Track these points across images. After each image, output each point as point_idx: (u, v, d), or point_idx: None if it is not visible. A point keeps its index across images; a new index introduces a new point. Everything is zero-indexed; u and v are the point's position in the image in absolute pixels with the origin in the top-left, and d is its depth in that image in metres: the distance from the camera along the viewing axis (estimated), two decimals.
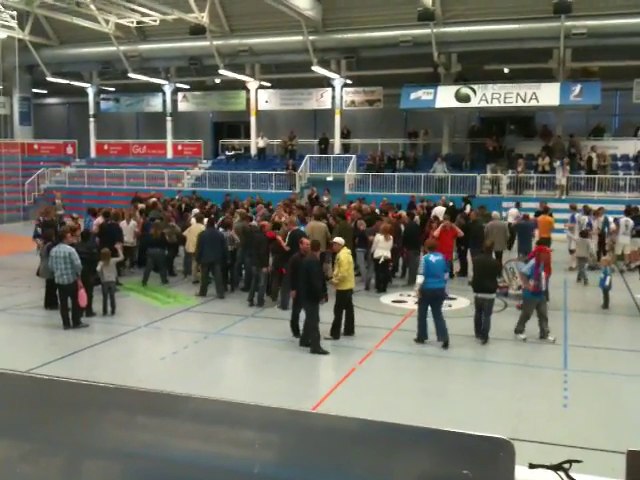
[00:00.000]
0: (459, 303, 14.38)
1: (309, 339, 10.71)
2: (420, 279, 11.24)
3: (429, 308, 11.23)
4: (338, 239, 12.56)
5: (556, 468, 1.70)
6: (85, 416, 1.98)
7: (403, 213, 17.66)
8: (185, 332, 12.23)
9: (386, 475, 1.71)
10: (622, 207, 19.97)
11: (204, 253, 14.80)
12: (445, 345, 10.97)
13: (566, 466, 1.70)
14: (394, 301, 14.60)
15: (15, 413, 2.05)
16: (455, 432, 1.66)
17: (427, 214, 18.94)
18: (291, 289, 11.59)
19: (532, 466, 1.72)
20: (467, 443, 1.66)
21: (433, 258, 11.41)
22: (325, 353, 10.56)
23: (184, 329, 12.45)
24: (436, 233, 14.33)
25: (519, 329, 11.51)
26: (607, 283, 13.29)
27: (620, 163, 26.97)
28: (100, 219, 16.66)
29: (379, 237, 15.04)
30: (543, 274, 11.45)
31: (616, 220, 18.10)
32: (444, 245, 12.78)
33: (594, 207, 19.41)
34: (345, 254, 11.64)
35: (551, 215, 18.83)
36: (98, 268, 13.11)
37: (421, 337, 11.27)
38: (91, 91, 36.65)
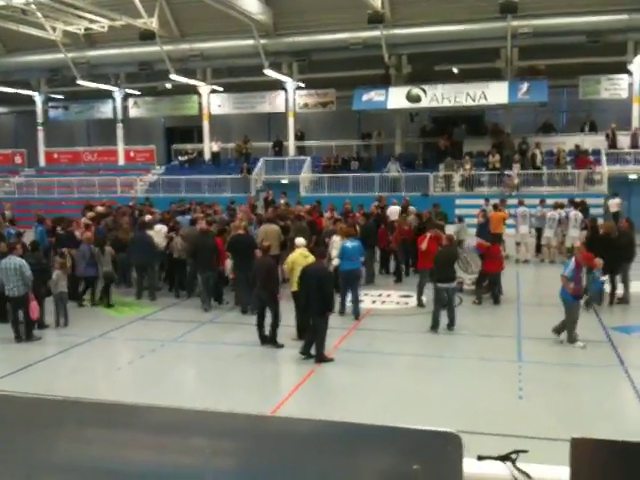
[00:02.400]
0: (415, 300, 14.51)
1: (309, 349, 10.36)
2: (336, 261, 13.17)
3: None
4: (299, 240, 12.63)
5: (504, 459, 1.74)
6: (38, 432, 1.94)
7: (357, 214, 17.76)
8: (141, 341, 12.08)
9: (339, 475, 1.72)
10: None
11: (133, 256, 15.10)
12: (356, 317, 12.79)
13: (513, 456, 1.73)
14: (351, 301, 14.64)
15: None
16: (404, 428, 1.68)
17: (382, 214, 19.05)
18: (259, 290, 11.34)
19: (480, 458, 1.75)
20: (416, 438, 1.68)
21: (350, 244, 13.34)
22: (331, 360, 10.32)
23: (140, 338, 12.29)
24: (424, 246, 13.87)
25: (573, 338, 10.90)
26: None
27: (569, 158, 27.57)
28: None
29: (335, 238, 15.08)
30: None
31: (566, 214, 18.55)
32: (432, 253, 12.75)
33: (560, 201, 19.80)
34: (297, 255, 11.65)
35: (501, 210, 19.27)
36: (54, 277, 12.85)
37: (341, 311, 12.96)
38: (39, 99, 35.91)
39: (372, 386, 9.33)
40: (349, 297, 13.25)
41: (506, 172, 25.50)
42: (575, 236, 17.63)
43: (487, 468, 1.74)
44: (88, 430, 1.94)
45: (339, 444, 1.74)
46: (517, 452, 1.75)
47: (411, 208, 19.38)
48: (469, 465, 1.69)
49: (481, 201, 21.04)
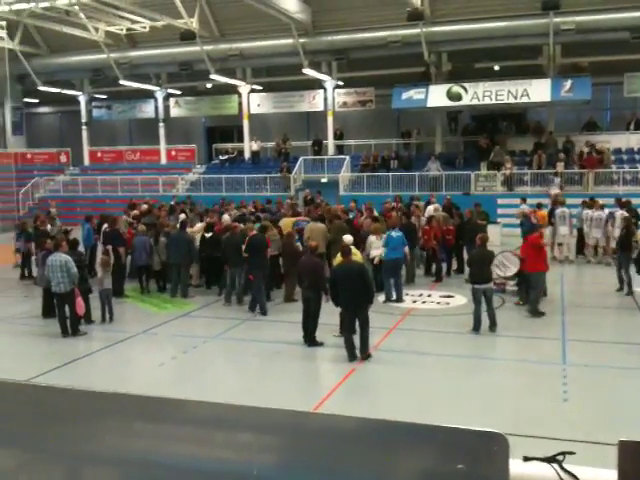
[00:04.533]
0: (457, 300, 14.43)
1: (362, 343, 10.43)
2: (381, 250, 13.65)
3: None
4: (347, 238, 12.71)
5: (550, 460, 1.73)
6: (84, 423, 1.99)
7: (393, 214, 17.67)
8: (183, 337, 12.22)
9: (383, 473, 1.73)
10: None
11: (170, 255, 15.26)
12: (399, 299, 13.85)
13: (560, 458, 1.72)
14: (392, 300, 14.61)
15: (14, 422, 2.06)
16: (450, 427, 1.69)
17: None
18: (305, 289, 11.35)
19: (526, 459, 1.74)
20: (462, 438, 1.68)
21: (394, 234, 14.11)
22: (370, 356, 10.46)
23: (182, 334, 12.43)
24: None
25: None
26: None
27: (613, 157, 27.03)
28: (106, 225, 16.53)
29: (371, 238, 15.09)
30: None
31: (612, 213, 18.19)
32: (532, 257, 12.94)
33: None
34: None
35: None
36: (99, 275, 13.14)
37: (389, 297, 13.96)
38: (83, 99, 36.61)
39: (413, 385, 9.30)
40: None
41: (550, 189, 24.67)
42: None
43: (533, 469, 1.73)
44: (134, 423, 1.99)
45: (382, 442, 1.74)
46: (564, 454, 1.74)
47: (436, 205, 19.18)
48: (515, 466, 1.68)
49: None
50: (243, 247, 13.79)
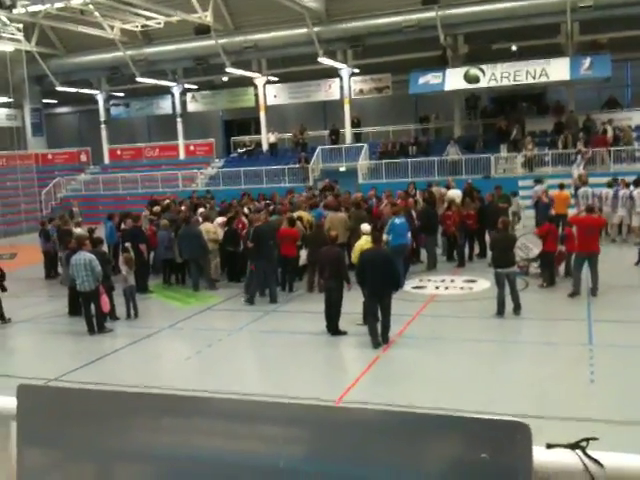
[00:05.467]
0: (480, 285, 14.35)
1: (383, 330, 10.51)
2: (385, 237, 13.10)
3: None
4: (364, 227, 12.74)
5: (573, 447, 1.72)
6: (112, 423, 2.03)
7: (411, 200, 17.59)
8: (208, 331, 12.32)
9: (407, 464, 1.74)
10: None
11: (183, 250, 15.40)
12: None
13: (583, 444, 1.71)
14: (414, 287, 14.59)
15: (44, 423, 2.11)
16: (472, 418, 1.69)
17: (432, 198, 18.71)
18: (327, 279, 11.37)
19: (549, 446, 1.73)
20: (484, 427, 1.69)
21: (397, 220, 14.14)
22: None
23: (207, 328, 12.53)
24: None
25: None
26: None
27: (635, 134, 26.62)
28: (129, 222, 16.64)
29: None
30: None
31: (630, 192, 17.98)
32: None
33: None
34: (364, 242, 11.69)
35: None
36: (123, 272, 13.27)
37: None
38: (101, 98, 36.87)
39: (438, 372, 9.28)
40: None
41: (573, 170, 24.36)
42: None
43: (557, 456, 1.72)
44: (162, 420, 2.01)
45: (406, 433, 1.76)
46: (587, 440, 1.72)
47: (451, 191, 18.98)
48: (538, 453, 1.68)
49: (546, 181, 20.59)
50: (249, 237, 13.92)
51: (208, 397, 1.98)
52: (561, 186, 18.96)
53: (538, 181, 20.52)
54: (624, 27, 25.77)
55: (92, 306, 12.25)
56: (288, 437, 1.90)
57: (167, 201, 21.08)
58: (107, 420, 2.04)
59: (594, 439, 1.71)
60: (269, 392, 8.65)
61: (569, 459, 1.70)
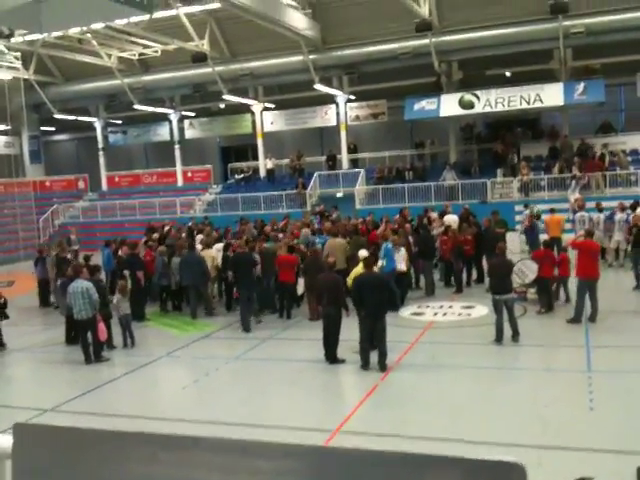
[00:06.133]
0: (478, 311, 14.33)
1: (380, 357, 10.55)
2: (380, 262, 13.84)
3: None
4: (362, 252, 12.81)
5: None
6: (108, 462, 2.01)
7: (407, 225, 17.64)
8: (205, 359, 12.26)
9: None
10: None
11: (183, 276, 15.43)
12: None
13: None
14: (412, 314, 14.57)
15: (40, 462, 2.09)
16: (467, 459, 1.68)
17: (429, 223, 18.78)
18: (326, 306, 11.38)
19: None
20: (479, 468, 1.67)
21: (390, 245, 14.72)
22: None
23: (204, 356, 12.47)
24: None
25: None
26: None
27: (630, 158, 26.79)
28: (125, 249, 16.66)
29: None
30: None
31: (627, 216, 18.04)
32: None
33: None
34: (360, 268, 11.71)
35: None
36: (114, 301, 13.21)
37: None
38: (98, 125, 37.10)
39: (437, 399, 9.22)
40: None
41: (568, 192, 24.48)
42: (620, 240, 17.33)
43: None
44: (158, 460, 1.99)
45: (400, 475, 1.74)
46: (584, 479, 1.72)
47: (448, 216, 18.98)
48: None
49: (540, 206, 20.65)
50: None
51: (204, 437, 1.96)
52: (552, 210, 19.09)
53: (526, 205, 20.69)
54: (617, 52, 26.09)
55: (89, 335, 12.19)
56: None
57: (167, 227, 21.09)
58: (103, 460, 2.03)
59: (590, 479, 1.70)
60: (267, 422, 8.59)
61: None
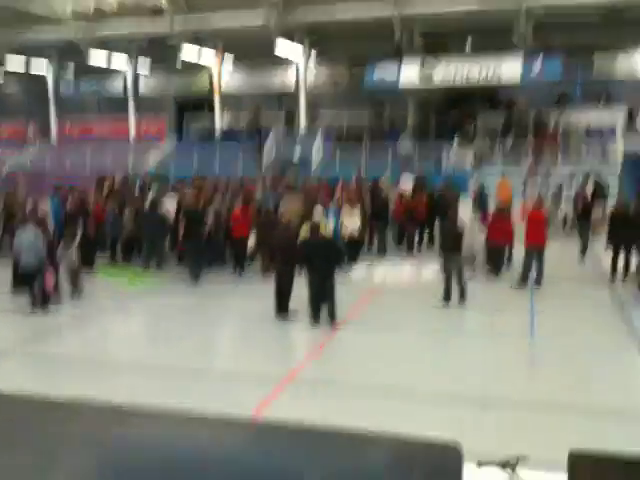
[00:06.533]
0: (428, 272, 14.49)
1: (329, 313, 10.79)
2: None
3: None
4: (318, 210, 12.95)
5: (504, 465, 1.75)
6: (41, 432, 1.89)
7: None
8: (154, 311, 12.23)
9: None
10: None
11: (147, 230, 15.44)
12: None
13: (513, 462, 1.75)
14: (363, 274, 14.73)
15: None
16: (402, 438, 1.67)
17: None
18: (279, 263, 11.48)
19: (480, 464, 1.76)
20: (415, 448, 1.66)
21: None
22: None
23: (153, 308, 12.43)
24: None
25: None
26: None
27: (584, 132, 27.29)
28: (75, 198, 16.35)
29: (345, 208, 15.27)
30: None
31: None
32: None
33: None
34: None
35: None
36: (59, 250, 12.89)
37: None
38: (50, 74, 35.92)
39: (384, 357, 9.32)
40: None
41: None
42: None
43: (487, 475, 1.74)
44: (90, 432, 1.90)
45: (334, 452, 1.70)
46: (517, 458, 1.77)
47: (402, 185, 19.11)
48: (469, 472, 1.67)
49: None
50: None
51: (146, 408, 1.91)
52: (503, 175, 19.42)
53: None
54: (576, 31, 26.41)
55: (36, 284, 11.96)
56: (211, 452, 1.77)
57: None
58: (41, 430, 1.90)
59: (524, 457, 1.75)
60: (217, 368, 8.68)
61: (499, 478, 1.73)
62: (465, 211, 17.63)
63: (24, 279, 12.30)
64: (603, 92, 28.60)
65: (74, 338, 10.79)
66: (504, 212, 14.62)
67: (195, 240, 14.26)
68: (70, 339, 10.75)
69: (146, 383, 8.18)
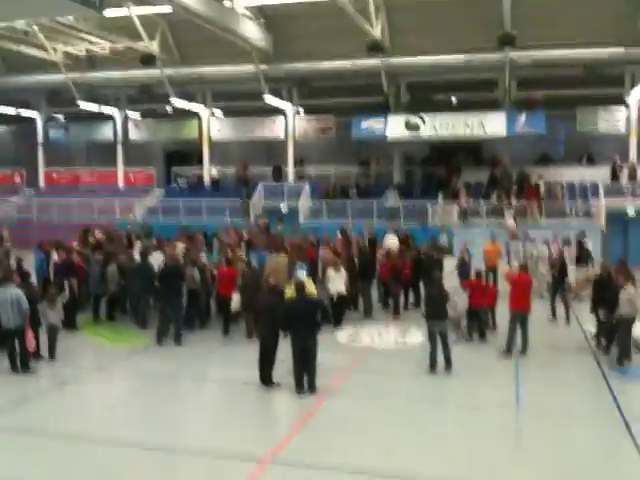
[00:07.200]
0: (414, 336, 14.47)
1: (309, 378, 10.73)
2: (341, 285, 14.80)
3: None
4: (301, 274, 12.93)
5: None
6: None
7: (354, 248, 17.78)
8: (136, 375, 12.03)
9: None
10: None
11: (135, 285, 15.44)
12: None
13: None
14: (349, 337, 14.62)
15: None
16: None
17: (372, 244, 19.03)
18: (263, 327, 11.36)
19: None
20: None
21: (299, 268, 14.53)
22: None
23: (135, 372, 12.23)
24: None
25: None
26: None
27: (566, 190, 27.63)
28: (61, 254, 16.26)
29: (330, 272, 15.20)
30: None
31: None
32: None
33: None
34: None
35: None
36: (41, 309, 12.72)
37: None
38: (39, 119, 36.07)
39: (369, 430, 9.20)
40: None
41: (504, 220, 25.10)
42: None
43: None
44: None
45: None
46: None
47: (389, 240, 19.13)
48: None
49: (478, 231, 21.02)
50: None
51: None
52: (493, 240, 19.36)
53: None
54: (559, 86, 27.09)
55: (17, 344, 11.78)
56: None
57: (97, 234, 20.30)
58: None
59: None
60: (195, 446, 8.50)
61: None
62: (450, 270, 17.78)
63: (5, 339, 12.11)
64: (585, 148, 29.15)
65: (47, 407, 10.49)
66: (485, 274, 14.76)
67: (170, 298, 14.02)
68: (43, 408, 10.46)
69: (116, 462, 8.03)
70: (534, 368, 12.28)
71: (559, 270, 16.12)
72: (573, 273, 17.34)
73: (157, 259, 16.19)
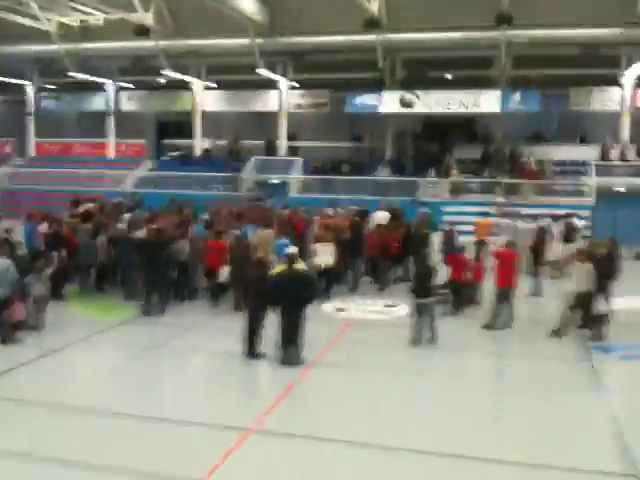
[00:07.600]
0: (400, 310, 14.60)
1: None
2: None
3: None
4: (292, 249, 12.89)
5: None
6: None
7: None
8: (124, 346, 12.12)
9: None
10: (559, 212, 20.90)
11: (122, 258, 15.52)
12: None
13: None
14: (336, 309, 14.76)
15: None
16: None
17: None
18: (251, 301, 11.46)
19: None
20: None
21: (281, 242, 14.45)
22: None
23: (123, 343, 12.32)
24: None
25: None
26: None
27: (558, 168, 27.76)
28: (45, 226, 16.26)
29: (317, 245, 15.31)
30: None
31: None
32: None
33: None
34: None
35: None
36: (27, 280, 12.74)
37: None
38: (31, 89, 35.78)
39: (353, 400, 9.32)
40: None
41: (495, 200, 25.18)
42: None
43: None
44: None
45: None
46: None
47: (379, 214, 19.13)
48: None
49: (469, 208, 21.13)
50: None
51: None
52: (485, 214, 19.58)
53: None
54: (554, 65, 27.04)
55: (4, 313, 11.83)
56: None
57: (90, 205, 20.26)
58: None
59: None
60: (179, 416, 8.61)
61: None
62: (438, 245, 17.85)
63: None
64: (579, 128, 29.20)
65: (30, 378, 10.55)
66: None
67: (150, 269, 14.09)
68: (28, 378, 10.54)
69: (100, 431, 8.15)
70: (518, 341, 12.42)
71: (534, 248, 16.26)
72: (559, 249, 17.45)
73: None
